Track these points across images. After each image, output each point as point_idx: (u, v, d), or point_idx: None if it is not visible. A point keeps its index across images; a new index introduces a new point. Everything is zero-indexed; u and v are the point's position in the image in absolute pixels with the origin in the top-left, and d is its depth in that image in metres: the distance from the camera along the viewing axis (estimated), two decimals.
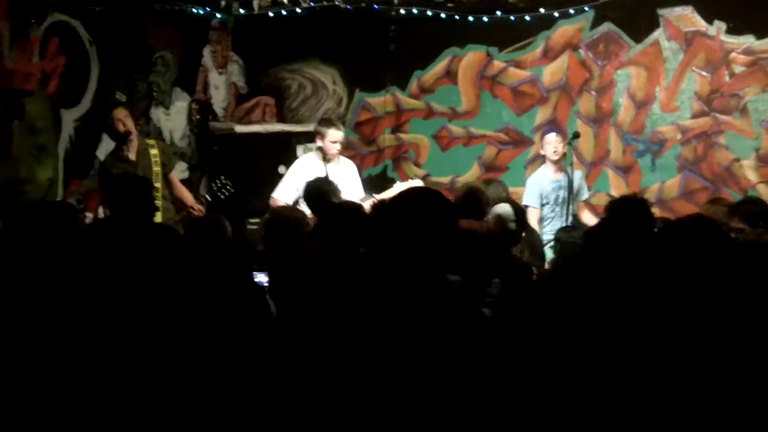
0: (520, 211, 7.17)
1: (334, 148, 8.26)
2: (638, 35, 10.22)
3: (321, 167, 8.19)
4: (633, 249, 4.07)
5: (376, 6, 10.78)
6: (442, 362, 3.05)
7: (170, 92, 10.60)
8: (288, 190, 8.18)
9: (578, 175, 8.82)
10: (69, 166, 9.14)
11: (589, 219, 8.73)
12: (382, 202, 7.81)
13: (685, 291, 3.16)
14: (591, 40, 10.40)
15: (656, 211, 7.59)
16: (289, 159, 9.16)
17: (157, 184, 7.75)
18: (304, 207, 8.08)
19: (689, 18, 10.04)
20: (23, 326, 3.77)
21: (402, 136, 11.14)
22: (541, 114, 10.61)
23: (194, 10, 10.72)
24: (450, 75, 10.94)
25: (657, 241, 3.24)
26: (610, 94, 10.36)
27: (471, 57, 10.86)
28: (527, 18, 10.49)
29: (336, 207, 6.14)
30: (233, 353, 3.62)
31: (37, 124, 8.69)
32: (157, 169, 7.79)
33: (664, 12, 10.10)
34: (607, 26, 10.32)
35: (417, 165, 11.10)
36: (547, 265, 7.17)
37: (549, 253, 7.57)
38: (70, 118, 9.22)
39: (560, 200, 8.74)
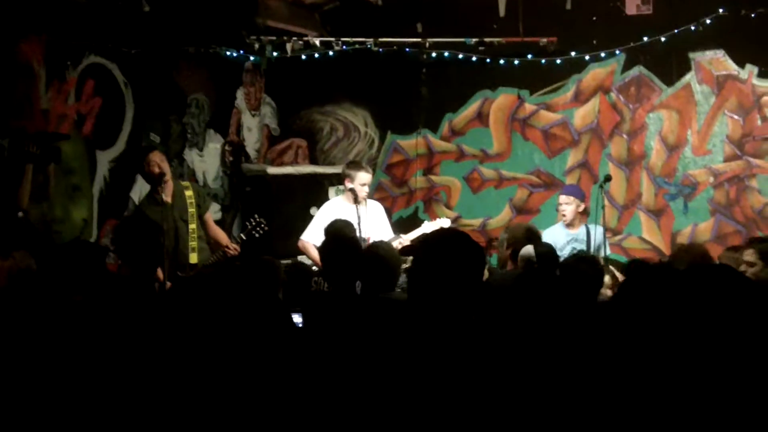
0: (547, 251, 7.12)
1: (363, 191, 8.30)
2: (669, 78, 10.24)
3: (350, 209, 8.22)
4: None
5: (407, 49, 10.85)
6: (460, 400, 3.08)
7: (204, 134, 10.68)
8: (317, 233, 8.19)
9: (598, 231, 8.52)
10: (103, 207, 9.20)
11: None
12: (410, 245, 7.85)
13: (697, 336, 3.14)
14: (622, 83, 10.42)
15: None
16: (321, 201, 9.19)
17: (193, 225, 7.81)
18: None
19: (720, 62, 10.05)
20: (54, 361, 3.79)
21: (433, 178, 11.17)
22: (573, 156, 10.62)
23: (228, 53, 10.82)
24: (481, 117, 10.98)
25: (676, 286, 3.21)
26: (641, 137, 10.36)
27: (502, 99, 10.90)
28: (558, 61, 10.53)
29: (333, 240, 6.12)
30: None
31: (73, 164, 8.77)
32: (192, 210, 7.84)
33: (696, 56, 10.12)
34: (638, 69, 10.35)
35: (448, 207, 11.11)
36: None
37: None
38: (105, 159, 9.29)
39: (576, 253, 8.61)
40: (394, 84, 11.06)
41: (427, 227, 8.31)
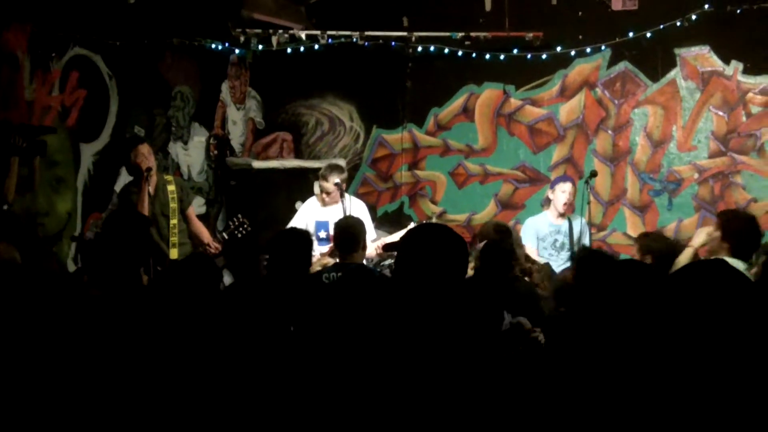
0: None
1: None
2: (655, 74, 10.27)
3: (329, 206, 8.30)
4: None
5: (393, 43, 10.82)
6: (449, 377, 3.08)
7: (188, 127, 10.63)
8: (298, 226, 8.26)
9: (581, 222, 8.64)
10: (87, 200, 9.15)
11: None
12: (390, 244, 7.87)
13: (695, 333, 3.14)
14: (608, 79, 10.44)
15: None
16: (306, 195, 9.17)
17: (174, 221, 7.78)
18: (316, 246, 8.24)
19: (706, 58, 10.08)
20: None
21: (418, 172, 11.16)
22: (558, 152, 10.63)
23: (213, 46, 10.77)
24: (467, 112, 10.98)
25: (670, 283, 3.21)
26: (626, 132, 10.38)
27: (488, 94, 10.90)
28: (544, 56, 10.54)
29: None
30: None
31: (57, 157, 8.71)
32: (174, 205, 7.80)
33: (681, 51, 10.15)
34: (623, 65, 10.37)
35: (433, 202, 11.11)
36: None
37: None
38: (89, 151, 9.23)
39: (558, 244, 8.61)
40: (380, 78, 11.05)
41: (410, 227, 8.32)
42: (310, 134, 11.56)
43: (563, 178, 8.97)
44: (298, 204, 9.20)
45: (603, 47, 10.40)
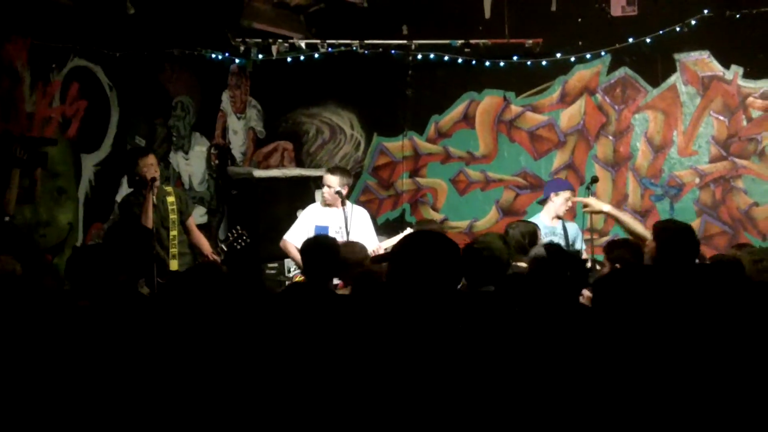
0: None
1: (325, 193, 8.36)
2: (655, 80, 10.27)
3: (334, 212, 8.28)
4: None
5: (393, 51, 10.84)
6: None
7: (189, 137, 10.64)
8: (298, 233, 8.29)
9: (574, 227, 8.65)
10: (89, 210, 9.16)
11: None
12: (378, 256, 7.88)
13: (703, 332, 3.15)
14: (608, 85, 10.44)
15: None
16: (307, 203, 9.17)
17: (174, 232, 7.77)
18: None
19: (706, 63, 10.08)
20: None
21: (420, 180, 11.17)
22: (559, 158, 10.63)
23: (213, 56, 10.79)
24: (467, 119, 10.98)
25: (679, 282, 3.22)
26: (627, 138, 10.38)
27: (488, 101, 10.91)
28: (543, 63, 10.54)
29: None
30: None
31: (58, 168, 8.72)
32: (174, 217, 7.80)
33: (681, 57, 10.14)
34: (623, 71, 10.37)
35: (435, 209, 11.11)
36: None
37: None
38: (90, 162, 9.25)
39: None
40: (380, 86, 11.06)
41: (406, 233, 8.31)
42: (311, 143, 11.57)
43: (566, 185, 8.90)
44: (299, 212, 9.21)
45: (603, 53, 10.40)
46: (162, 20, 9.75)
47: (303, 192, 10.51)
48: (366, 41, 10.69)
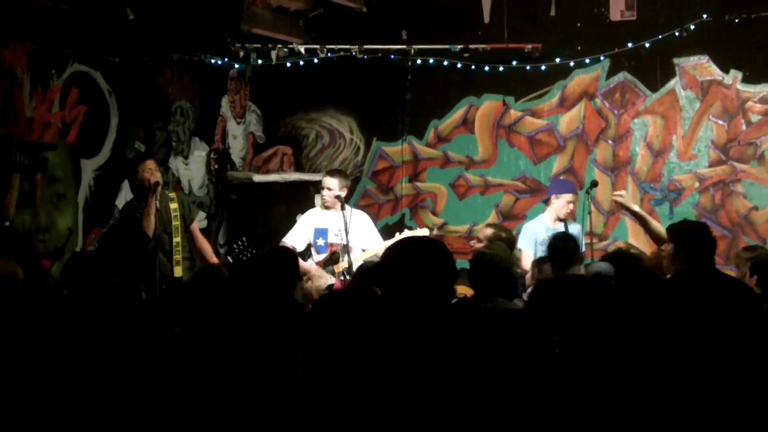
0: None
1: (325, 195, 8.36)
2: (654, 84, 10.26)
3: (333, 216, 8.29)
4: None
5: (392, 56, 10.85)
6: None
7: (189, 142, 10.65)
8: (297, 236, 8.40)
9: (576, 228, 8.58)
10: (88, 215, 9.17)
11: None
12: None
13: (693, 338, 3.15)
14: (607, 89, 10.44)
15: None
16: (307, 208, 9.19)
17: (177, 239, 7.74)
18: (314, 254, 8.36)
19: (705, 67, 10.08)
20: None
21: (419, 184, 11.17)
22: (558, 162, 10.63)
23: (212, 61, 10.80)
24: (467, 124, 10.99)
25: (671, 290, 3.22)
26: (626, 142, 10.38)
27: (487, 106, 10.91)
28: (543, 67, 10.54)
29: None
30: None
31: (57, 173, 8.73)
32: (176, 223, 7.77)
33: (680, 61, 10.15)
34: (623, 75, 10.38)
35: (434, 213, 11.11)
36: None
37: None
38: (89, 167, 9.25)
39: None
40: (379, 91, 11.07)
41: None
42: (311, 147, 11.58)
43: (569, 187, 8.87)
44: (298, 217, 9.22)
45: (602, 58, 10.40)
46: (161, 25, 9.76)
47: (302, 196, 10.52)
48: (365, 46, 10.71)
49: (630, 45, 10.20)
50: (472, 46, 10.50)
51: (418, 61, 10.84)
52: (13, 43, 8.23)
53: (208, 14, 10.15)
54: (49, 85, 8.74)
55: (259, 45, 10.77)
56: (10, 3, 8.19)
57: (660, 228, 6.93)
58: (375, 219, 10.46)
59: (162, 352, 3.97)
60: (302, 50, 10.87)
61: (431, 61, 10.82)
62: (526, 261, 8.31)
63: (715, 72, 10.05)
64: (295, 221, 8.95)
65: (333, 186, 8.28)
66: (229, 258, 7.89)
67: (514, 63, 10.58)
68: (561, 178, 10.22)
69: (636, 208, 7.15)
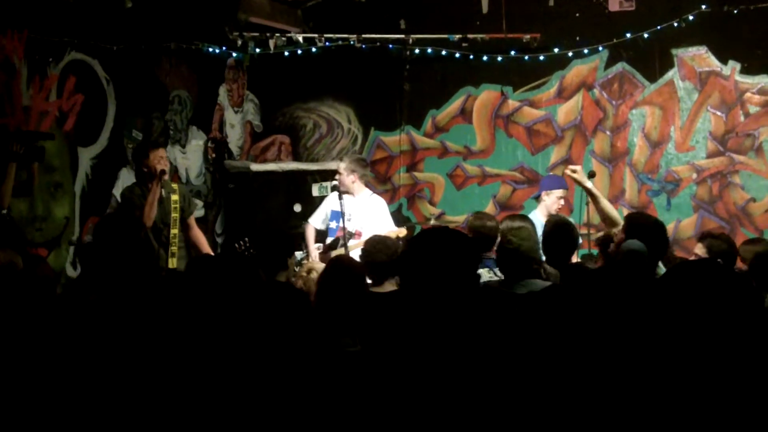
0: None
1: (336, 179, 8.49)
2: (652, 75, 10.27)
3: (346, 199, 8.34)
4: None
5: (390, 45, 10.83)
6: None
7: (186, 130, 10.63)
8: (318, 217, 8.68)
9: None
10: (86, 204, 9.15)
11: None
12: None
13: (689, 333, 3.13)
14: (605, 80, 10.44)
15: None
16: (304, 197, 9.19)
17: (174, 230, 7.73)
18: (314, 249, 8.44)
19: (703, 58, 10.08)
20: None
21: (417, 174, 11.17)
22: (556, 153, 10.64)
23: (210, 49, 10.77)
24: (464, 114, 10.98)
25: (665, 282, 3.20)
26: (624, 133, 10.38)
27: (485, 96, 10.91)
28: (541, 58, 10.54)
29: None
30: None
31: (54, 162, 8.70)
32: (175, 215, 7.76)
33: (678, 52, 10.15)
34: (621, 66, 10.38)
35: (432, 204, 11.11)
36: None
37: None
38: (86, 156, 9.23)
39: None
40: (377, 80, 11.07)
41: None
42: (308, 137, 11.57)
43: (560, 183, 8.86)
44: (296, 206, 9.23)
45: (600, 48, 10.40)
46: (159, 14, 9.73)
47: (300, 186, 10.50)
48: (363, 35, 10.69)
49: (628, 35, 10.20)
50: (470, 36, 10.48)
51: (417, 51, 10.83)
52: (10, 31, 8.19)
53: (206, 3, 10.13)
54: (46, 73, 8.70)
55: (257, 34, 10.74)
56: None
57: (611, 210, 6.86)
58: None
59: (163, 342, 3.96)
60: (300, 39, 10.85)
61: (429, 50, 10.81)
62: None
63: (714, 63, 10.05)
64: (292, 210, 8.97)
65: (340, 169, 8.38)
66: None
67: (513, 53, 10.57)
68: (551, 174, 10.21)
69: (589, 184, 7.06)
